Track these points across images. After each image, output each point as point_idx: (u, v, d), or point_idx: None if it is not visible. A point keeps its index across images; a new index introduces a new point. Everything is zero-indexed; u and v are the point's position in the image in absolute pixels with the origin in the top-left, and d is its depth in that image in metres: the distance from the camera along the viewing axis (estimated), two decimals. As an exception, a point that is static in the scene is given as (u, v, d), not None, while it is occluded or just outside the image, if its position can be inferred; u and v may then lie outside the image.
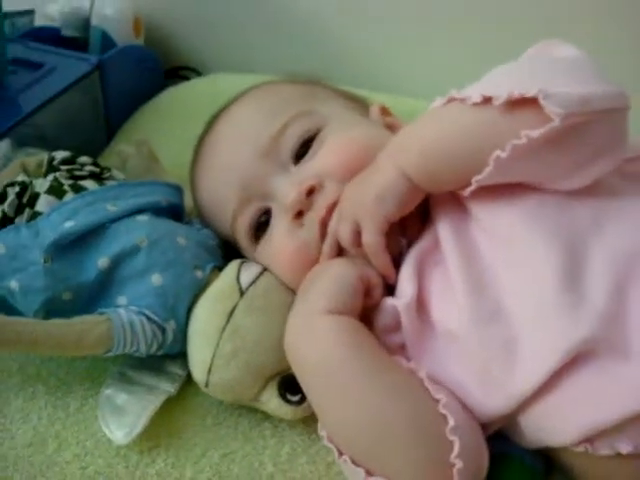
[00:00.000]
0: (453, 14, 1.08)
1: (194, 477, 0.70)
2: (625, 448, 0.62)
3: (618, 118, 0.66)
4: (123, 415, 0.72)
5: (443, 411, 0.64)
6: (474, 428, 0.66)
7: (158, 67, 1.23)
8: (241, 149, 0.80)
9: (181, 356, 0.77)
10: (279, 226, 0.78)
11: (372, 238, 0.70)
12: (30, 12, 1.20)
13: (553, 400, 0.64)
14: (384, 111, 0.86)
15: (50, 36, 1.19)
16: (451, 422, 0.63)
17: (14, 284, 0.74)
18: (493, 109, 0.64)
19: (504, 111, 0.64)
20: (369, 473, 0.65)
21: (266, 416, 0.75)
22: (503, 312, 0.66)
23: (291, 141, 0.79)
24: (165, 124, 1.11)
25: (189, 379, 0.77)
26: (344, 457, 0.66)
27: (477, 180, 0.66)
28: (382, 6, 1.12)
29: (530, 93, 0.62)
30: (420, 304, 0.70)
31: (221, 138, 0.83)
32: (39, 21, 1.23)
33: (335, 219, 0.74)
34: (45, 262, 0.74)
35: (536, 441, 0.67)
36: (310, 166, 0.77)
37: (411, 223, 0.73)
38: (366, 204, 0.70)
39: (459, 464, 0.62)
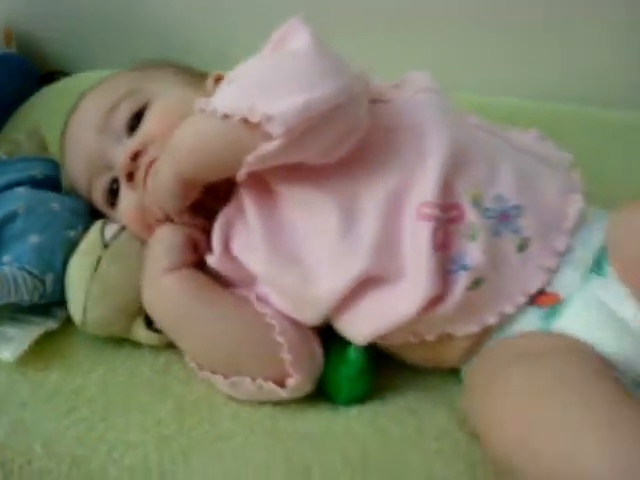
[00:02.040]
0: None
1: (84, 385, 0.84)
2: (413, 339, 0.80)
3: (348, 109, 0.75)
4: (12, 342, 0.86)
5: (270, 321, 0.80)
6: (300, 329, 0.82)
7: (32, 72, 1.36)
8: (82, 130, 0.93)
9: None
10: (123, 191, 0.90)
11: (177, 219, 0.85)
12: None
13: (349, 315, 0.80)
14: (218, 79, 0.93)
15: None
16: (277, 328, 0.80)
17: None
18: (235, 122, 0.72)
19: (243, 124, 0.72)
20: (225, 377, 0.81)
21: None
22: (299, 257, 0.80)
23: (122, 116, 0.90)
24: (41, 120, 1.23)
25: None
26: (203, 372, 0.82)
27: (238, 176, 0.77)
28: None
29: (255, 119, 0.71)
30: (231, 254, 0.84)
31: (70, 124, 0.96)
32: None
33: (146, 198, 0.86)
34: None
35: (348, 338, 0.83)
36: (136, 136, 0.89)
37: (221, 190, 0.85)
38: (157, 197, 0.82)
39: (289, 357, 0.79)
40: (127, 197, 0.90)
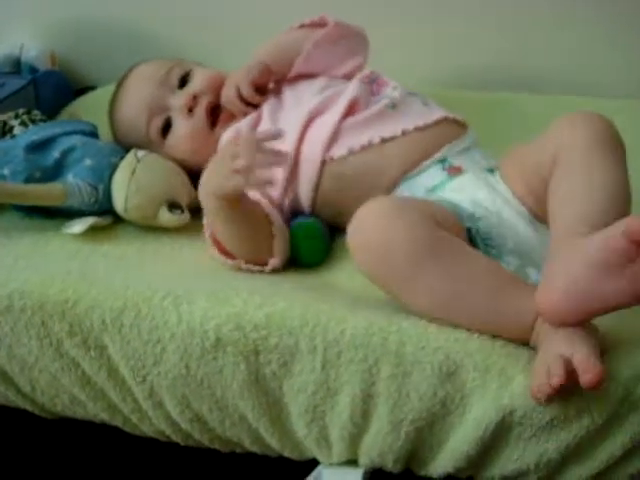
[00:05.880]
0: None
1: (125, 250, 1.25)
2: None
3: (357, 39, 1.37)
4: (79, 223, 1.25)
5: (267, 210, 1.18)
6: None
7: (69, 87, 1.81)
8: (145, 83, 1.36)
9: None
10: (179, 123, 1.33)
11: (247, 91, 1.30)
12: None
13: (305, 141, 1.23)
14: None
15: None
16: (273, 218, 1.18)
17: (6, 171, 1.30)
18: (295, 26, 1.38)
19: (309, 30, 1.36)
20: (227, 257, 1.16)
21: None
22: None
23: (176, 76, 1.35)
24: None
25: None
26: (223, 256, 1.16)
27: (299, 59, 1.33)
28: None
29: (317, 19, 1.36)
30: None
31: (132, 82, 1.39)
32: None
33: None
34: (25, 154, 1.30)
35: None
36: (190, 87, 1.34)
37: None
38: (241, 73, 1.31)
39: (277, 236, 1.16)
40: (183, 125, 1.33)
